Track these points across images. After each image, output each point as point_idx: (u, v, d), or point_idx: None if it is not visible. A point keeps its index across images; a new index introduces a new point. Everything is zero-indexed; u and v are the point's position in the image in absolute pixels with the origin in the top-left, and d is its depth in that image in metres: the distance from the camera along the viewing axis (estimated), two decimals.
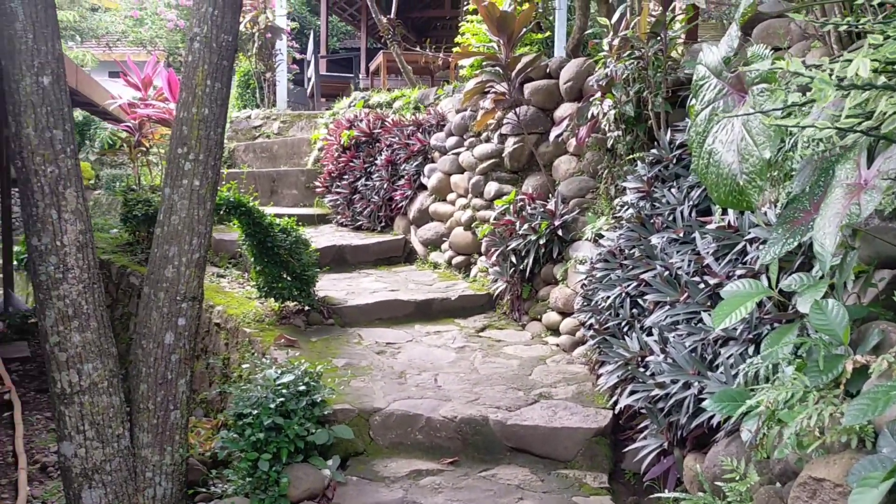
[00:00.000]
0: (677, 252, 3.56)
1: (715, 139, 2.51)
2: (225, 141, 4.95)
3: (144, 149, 7.22)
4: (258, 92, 10.87)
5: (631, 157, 4.51)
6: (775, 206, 3.11)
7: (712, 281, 3.21)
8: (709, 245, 3.38)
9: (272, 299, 5.15)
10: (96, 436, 3.28)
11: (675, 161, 3.97)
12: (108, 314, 3.40)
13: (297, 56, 12.67)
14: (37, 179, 3.16)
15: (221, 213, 4.84)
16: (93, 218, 10.98)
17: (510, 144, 5.82)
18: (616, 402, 3.66)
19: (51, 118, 3.17)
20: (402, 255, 7.02)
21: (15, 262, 8.68)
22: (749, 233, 3.17)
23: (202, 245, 3.57)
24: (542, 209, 5.19)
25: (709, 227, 3.45)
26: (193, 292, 3.55)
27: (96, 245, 6.59)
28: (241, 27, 8.61)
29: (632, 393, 3.39)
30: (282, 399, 3.51)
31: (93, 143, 12.37)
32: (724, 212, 3.44)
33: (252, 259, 5.15)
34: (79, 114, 10.77)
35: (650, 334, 3.49)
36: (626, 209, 4.15)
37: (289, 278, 5.05)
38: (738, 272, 3.10)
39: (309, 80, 13.00)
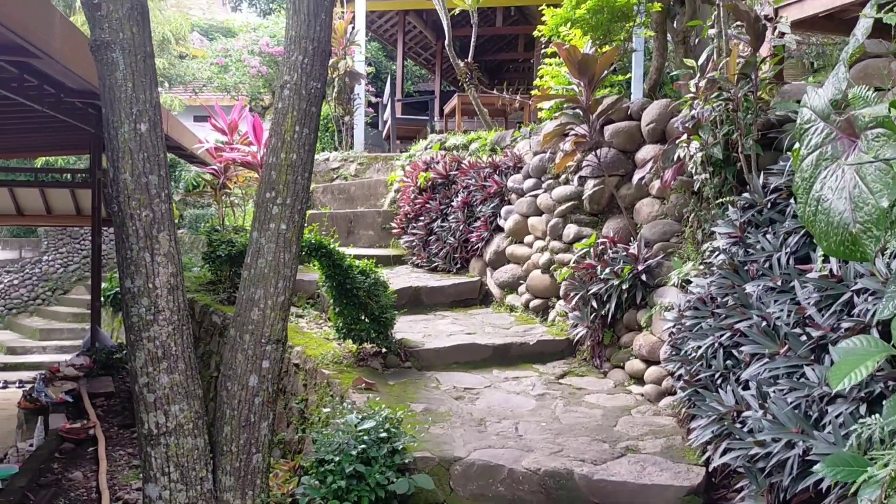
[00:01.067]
0: (775, 301, 3.40)
1: (823, 185, 2.38)
2: None
3: (228, 191, 7.42)
4: (336, 135, 11.10)
5: (720, 200, 4.36)
6: (883, 255, 2.94)
7: (815, 333, 3.04)
8: (810, 295, 3.21)
9: (350, 341, 5.15)
10: (180, 478, 3.29)
11: (769, 206, 3.81)
12: (195, 356, 3.44)
13: (374, 99, 12.92)
14: (132, 223, 3.25)
15: (303, 254, 4.89)
16: None
17: (590, 187, 5.74)
18: (709, 460, 3.48)
19: (147, 164, 3.27)
20: (477, 297, 6.96)
21: (101, 299, 8.99)
22: (855, 283, 3.00)
23: (287, 288, 3.60)
24: (624, 253, 5.06)
25: (809, 275, 3.28)
26: (278, 335, 3.57)
27: None
28: None
29: (727, 450, 3.22)
30: (363, 446, 3.47)
31: (178, 185, 12.82)
32: (826, 260, 3.27)
33: (331, 300, 5.17)
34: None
35: (746, 388, 3.32)
36: (717, 255, 3.99)
37: (367, 320, 5.04)
38: (845, 325, 2.93)
39: (385, 122, 13.22)
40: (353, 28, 10.55)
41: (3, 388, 11.05)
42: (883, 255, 2.94)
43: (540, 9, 7.73)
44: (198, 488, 3.33)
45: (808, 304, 3.18)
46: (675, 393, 4.19)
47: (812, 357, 3.04)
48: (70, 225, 13.67)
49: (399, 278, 6.98)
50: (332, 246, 4.99)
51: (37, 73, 4.91)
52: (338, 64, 10.25)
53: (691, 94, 4.65)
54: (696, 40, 5.81)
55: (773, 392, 3.07)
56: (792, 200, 3.64)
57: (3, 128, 7.49)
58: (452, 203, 7.56)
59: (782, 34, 4.28)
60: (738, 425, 3.22)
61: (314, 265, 5.17)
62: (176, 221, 12.38)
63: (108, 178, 3.30)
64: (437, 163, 8.09)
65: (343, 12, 10.99)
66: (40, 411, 6.53)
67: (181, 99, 15.02)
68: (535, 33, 7.84)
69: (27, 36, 3.03)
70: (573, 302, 5.39)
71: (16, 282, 14.92)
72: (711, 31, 5.22)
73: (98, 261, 8.31)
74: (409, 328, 5.79)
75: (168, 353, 3.28)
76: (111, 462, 5.47)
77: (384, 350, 5.15)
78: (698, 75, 4.59)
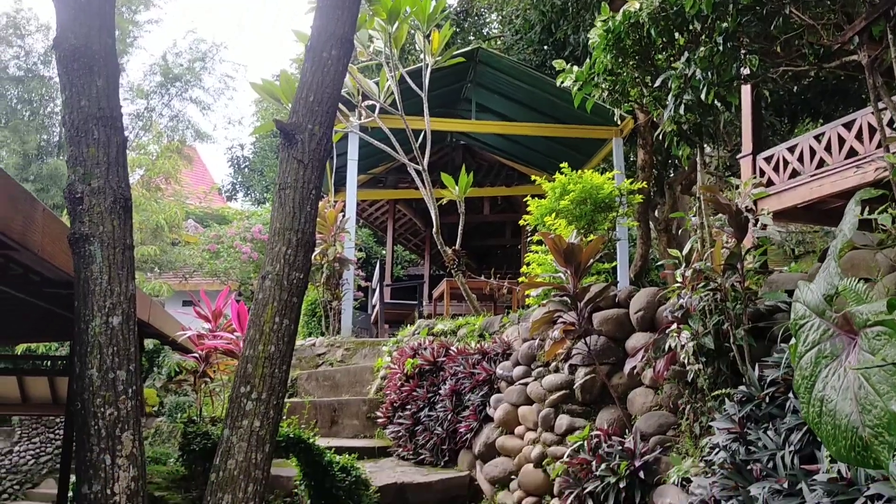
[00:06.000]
0: None
1: (825, 385, 2.25)
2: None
3: (209, 379, 7.19)
4: (324, 320, 11.04)
5: (716, 393, 4.21)
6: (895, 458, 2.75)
7: None
8: (820, 499, 2.98)
9: None
10: None
11: (767, 400, 3.66)
12: None
13: (363, 284, 13.02)
14: (94, 422, 3.04)
15: (281, 447, 4.64)
16: (152, 446, 10.86)
17: (581, 375, 5.58)
18: None
19: (116, 358, 3.12)
20: (466, 493, 6.55)
21: (70, 493, 8.45)
22: (867, 488, 2.78)
23: (257, 492, 3.33)
24: (619, 447, 4.81)
25: (817, 477, 3.06)
26: None
27: (151, 479, 6.35)
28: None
29: None
30: None
31: (160, 371, 12.55)
32: (834, 460, 3.07)
33: (308, 500, 4.84)
34: (150, 342, 11.03)
35: None
36: (717, 452, 3.78)
37: None
38: None
39: (374, 307, 13.25)
40: (344, 216, 10.81)
41: None
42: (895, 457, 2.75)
43: (524, 199, 7.97)
44: None
45: None
46: None
47: None
48: (46, 414, 13.18)
49: (383, 473, 6.61)
50: (311, 440, 4.74)
51: (20, 261, 4.87)
52: (327, 250, 10.39)
53: (678, 284, 4.64)
54: (680, 231, 5.92)
55: None
56: (791, 395, 3.49)
57: None
58: (440, 391, 7.33)
59: (764, 226, 4.33)
60: None
61: (293, 462, 4.89)
62: (155, 409, 11.96)
63: (72, 374, 3.13)
64: (425, 349, 7.95)
65: (334, 201, 11.31)
66: None
67: (170, 284, 15.10)
68: (521, 222, 8.02)
69: (7, 231, 2.99)
70: (568, 501, 5.04)
71: None
72: (693, 220, 5.32)
73: (68, 455, 7.87)
74: None
75: None
76: None
77: None
78: (684, 265, 4.60)
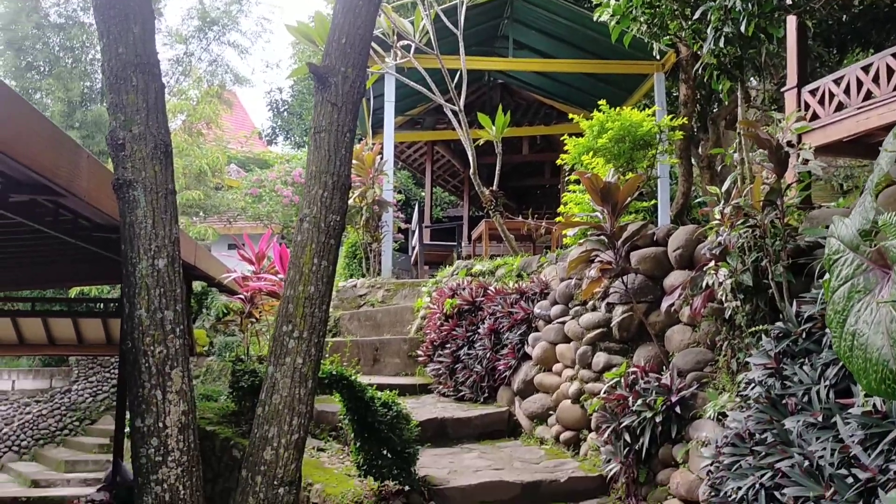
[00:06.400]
0: (817, 439, 3.18)
1: (858, 319, 2.26)
2: (330, 310, 4.98)
3: (254, 319, 7.40)
4: (364, 262, 11.19)
5: (753, 329, 4.21)
6: None
7: (862, 475, 2.82)
8: (854, 432, 3.00)
9: (371, 478, 4.94)
10: None
11: (804, 335, 3.65)
12: (204, 499, 3.29)
13: (403, 226, 13.12)
14: (145, 360, 3.19)
15: (324, 384, 4.79)
16: (203, 384, 11.27)
17: (618, 313, 5.61)
18: None
19: (163, 299, 3.25)
20: (505, 428, 6.70)
21: (127, 429, 8.86)
22: None
23: (302, 426, 3.47)
24: (656, 383, 4.86)
25: (851, 411, 3.08)
26: (291, 476, 3.41)
27: (203, 415, 6.60)
28: (350, 202, 9.00)
29: None
30: None
31: (209, 312, 12.93)
32: (868, 394, 3.08)
33: (352, 434, 5.01)
34: (198, 285, 11.35)
35: None
36: (753, 387, 3.80)
37: (389, 455, 4.85)
38: (894, 467, 2.71)
39: (413, 248, 13.36)
40: (382, 158, 10.84)
41: None
42: None
43: (562, 138, 7.89)
44: None
45: (853, 442, 2.97)
46: None
47: (860, 501, 2.80)
48: (100, 354, 13.74)
49: (424, 409, 6.78)
50: (353, 377, 4.88)
51: (70, 208, 5.04)
52: (366, 193, 10.46)
53: (717, 221, 4.60)
54: (721, 166, 5.83)
55: None
56: (828, 330, 3.48)
57: (40, 260, 7.66)
58: (479, 330, 7.44)
59: (806, 161, 4.25)
60: None
61: (336, 396, 5.05)
62: (206, 349, 12.35)
63: (123, 315, 3.28)
64: (464, 289, 8.04)
65: (372, 144, 11.33)
66: None
67: (215, 228, 15.40)
68: (559, 162, 7.96)
69: (54, 178, 3.10)
70: (605, 435, 5.14)
71: (44, 412, 14.88)
72: (735, 156, 5.23)
73: (123, 391, 8.24)
74: (434, 463, 5.55)
75: (175, 497, 3.14)
76: None
77: (407, 488, 4.92)
78: (723, 202, 4.55)
